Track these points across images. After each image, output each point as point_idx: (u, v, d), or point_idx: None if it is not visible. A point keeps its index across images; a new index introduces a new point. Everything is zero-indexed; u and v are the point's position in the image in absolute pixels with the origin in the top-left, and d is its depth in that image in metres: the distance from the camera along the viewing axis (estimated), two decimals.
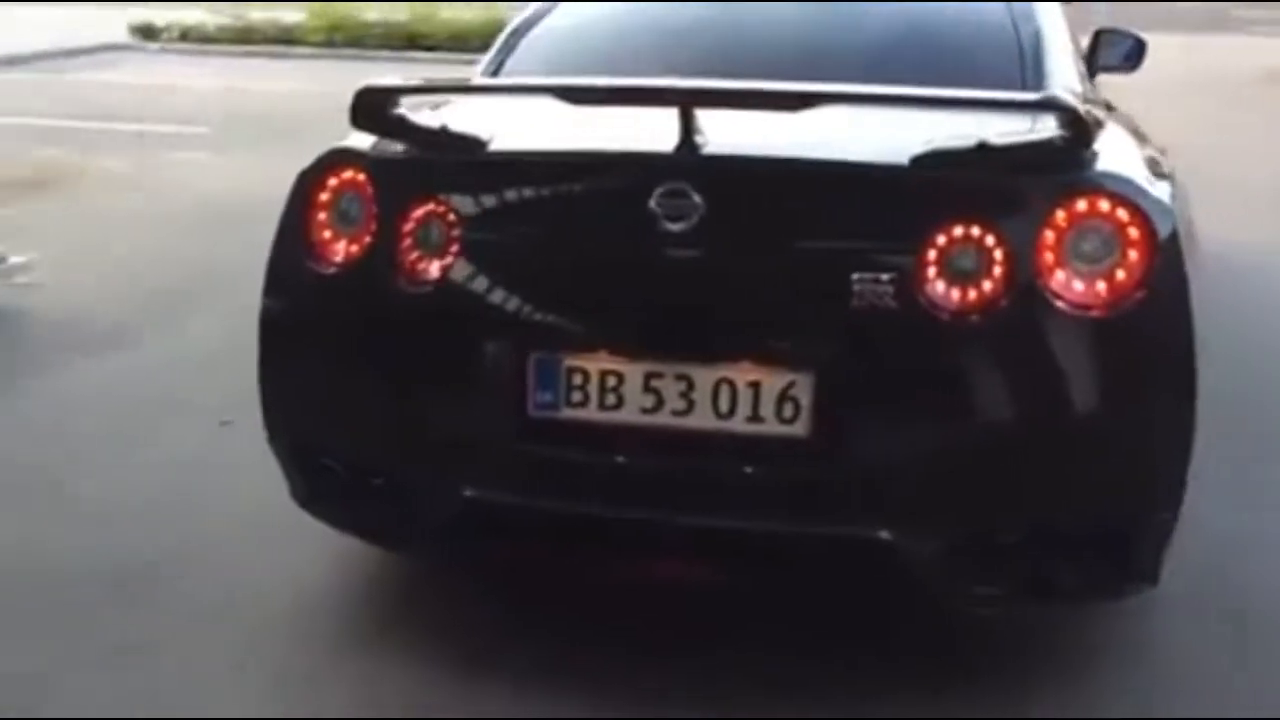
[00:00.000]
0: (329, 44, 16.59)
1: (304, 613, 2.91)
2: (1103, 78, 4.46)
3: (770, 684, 2.58)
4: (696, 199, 2.32)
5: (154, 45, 17.97)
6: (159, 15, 18.74)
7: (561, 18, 3.51)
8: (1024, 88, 2.86)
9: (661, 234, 2.34)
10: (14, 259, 5.31)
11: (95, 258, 5.92)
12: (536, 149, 2.61)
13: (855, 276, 2.29)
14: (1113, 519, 2.40)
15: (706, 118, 2.39)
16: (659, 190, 2.33)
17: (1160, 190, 2.45)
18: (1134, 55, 4.51)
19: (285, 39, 15.65)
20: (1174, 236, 2.35)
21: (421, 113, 2.67)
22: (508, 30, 3.46)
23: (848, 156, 2.44)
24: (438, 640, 2.75)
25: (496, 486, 2.49)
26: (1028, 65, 2.99)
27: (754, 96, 2.46)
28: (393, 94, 2.58)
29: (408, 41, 16.18)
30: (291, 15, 17.82)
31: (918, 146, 2.34)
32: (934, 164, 2.33)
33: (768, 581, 2.60)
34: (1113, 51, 4.42)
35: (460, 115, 2.76)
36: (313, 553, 3.05)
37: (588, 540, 2.54)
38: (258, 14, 18.38)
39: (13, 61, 14.99)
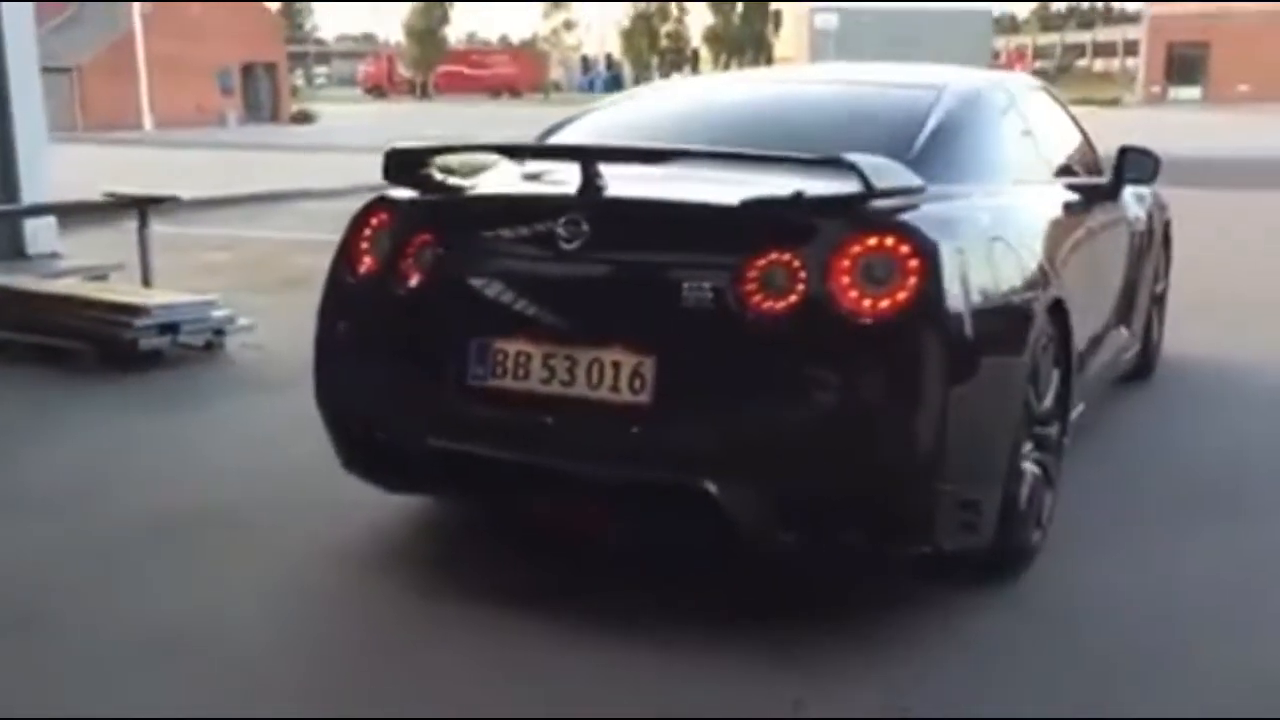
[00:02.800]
0: None
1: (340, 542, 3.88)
2: None
3: None
4: (585, 226, 3.16)
5: None
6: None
7: (587, 117, 4.42)
8: (906, 160, 3.38)
9: (560, 251, 3.18)
10: (241, 320, 6.66)
11: (308, 333, 7.22)
12: (490, 193, 3.54)
13: (689, 286, 3.05)
14: (881, 485, 3.01)
15: (606, 169, 3.23)
16: (562, 220, 3.19)
17: (950, 241, 3.09)
18: (1152, 170, 5.01)
19: None
20: (951, 273, 3.01)
21: (432, 169, 3.62)
22: (555, 121, 4.38)
23: (691, 198, 3.23)
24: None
25: (447, 437, 3.34)
26: (919, 142, 3.58)
27: (629, 153, 3.31)
28: (410, 154, 3.57)
29: None
30: None
31: (749, 192, 3.10)
32: (757, 205, 3.08)
33: (620, 517, 3.34)
34: (1135, 166, 4.94)
35: (457, 171, 3.71)
36: (356, 512, 4.00)
37: (506, 479, 3.35)
38: None
39: (332, 194, 17.50)
